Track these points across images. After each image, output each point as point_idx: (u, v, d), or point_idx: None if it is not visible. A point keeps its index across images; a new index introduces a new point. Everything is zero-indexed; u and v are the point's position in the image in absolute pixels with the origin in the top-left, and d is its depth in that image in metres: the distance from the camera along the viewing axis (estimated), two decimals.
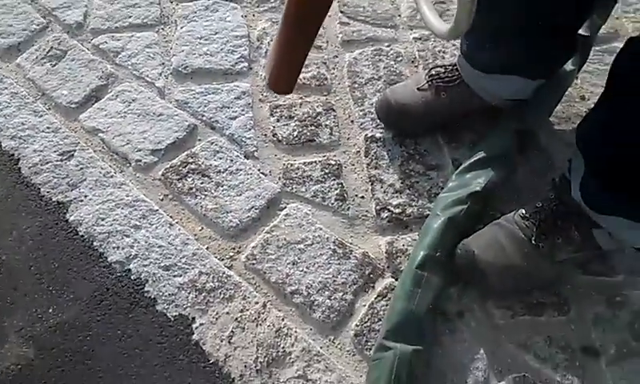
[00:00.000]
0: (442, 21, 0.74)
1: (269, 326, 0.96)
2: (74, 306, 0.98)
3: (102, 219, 1.07)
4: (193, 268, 1.02)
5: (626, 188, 0.84)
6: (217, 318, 0.97)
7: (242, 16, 1.42)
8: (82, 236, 1.06)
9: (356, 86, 1.28)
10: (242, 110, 1.23)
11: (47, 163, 1.15)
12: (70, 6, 1.43)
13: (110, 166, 1.15)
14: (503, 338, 0.95)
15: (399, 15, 1.43)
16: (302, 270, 1.02)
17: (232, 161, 1.16)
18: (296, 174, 1.14)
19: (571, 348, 0.94)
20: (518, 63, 1.06)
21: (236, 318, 0.97)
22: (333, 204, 1.10)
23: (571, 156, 0.94)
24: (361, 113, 1.23)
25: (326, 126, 1.21)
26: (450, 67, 1.16)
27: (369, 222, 1.09)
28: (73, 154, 1.16)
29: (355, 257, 1.03)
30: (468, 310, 0.98)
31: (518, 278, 0.96)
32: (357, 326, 0.96)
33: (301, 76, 1.26)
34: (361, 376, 0.92)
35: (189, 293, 0.99)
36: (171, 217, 1.08)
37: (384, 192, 1.11)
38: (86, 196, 1.10)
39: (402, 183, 1.12)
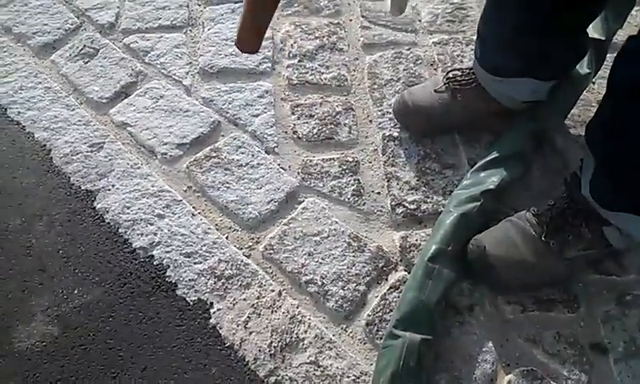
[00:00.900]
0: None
1: (283, 312, 0.99)
2: (98, 288, 1.02)
3: (128, 208, 1.12)
4: (213, 256, 1.06)
5: (634, 184, 0.86)
6: (234, 304, 1.00)
7: None
8: (109, 223, 1.11)
9: (375, 87, 1.31)
10: (265, 108, 1.28)
11: (78, 154, 1.20)
12: (103, 7, 1.50)
13: (137, 158, 1.20)
14: (512, 332, 0.97)
15: (419, 20, 1.46)
16: (317, 261, 1.05)
17: (253, 156, 1.20)
18: (314, 169, 1.17)
19: (580, 344, 0.95)
20: (529, 65, 1.08)
21: (252, 305, 1.00)
22: (349, 199, 1.13)
23: (583, 155, 0.96)
24: (379, 113, 1.26)
25: (345, 124, 1.25)
26: (467, 71, 1.18)
27: (384, 217, 1.12)
28: (102, 146, 1.21)
29: (369, 250, 1.06)
30: (478, 304, 0.99)
31: (528, 274, 0.98)
32: (369, 315, 0.99)
33: (321, 76, 1.31)
34: (371, 364, 0.94)
35: (208, 279, 1.03)
36: (194, 207, 1.13)
37: (400, 189, 1.14)
38: (113, 185, 1.15)
39: (417, 180, 1.15)
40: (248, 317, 0.99)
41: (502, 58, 1.09)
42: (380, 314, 0.99)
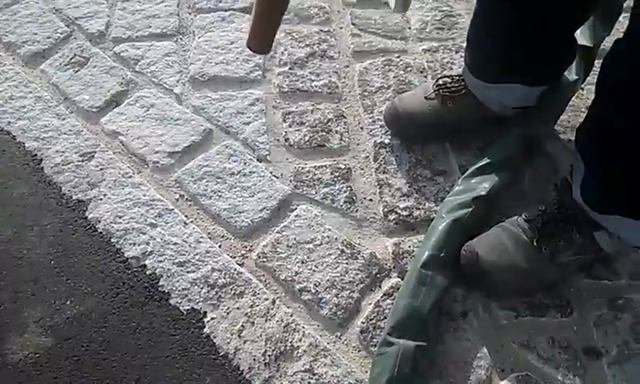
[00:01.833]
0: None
1: (277, 321, 0.99)
2: (91, 299, 1.02)
3: (120, 217, 1.12)
4: (206, 264, 1.05)
5: (623, 186, 0.87)
6: (228, 313, 1.00)
7: None
8: (101, 232, 1.10)
9: (366, 94, 1.32)
10: (256, 116, 1.28)
11: (69, 163, 1.20)
12: (93, 16, 1.49)
13: (129, 167, 1.20)
14: (506, 337, 0.97)
15: (409, 28, 1.47)
16: (310, 269, 1.05)
17: (245, 164, 1.20)
18: (306, 176, 1.17)
19: (573, 349, 0.96)
20: (518, 71, 1.09)
21: (246, 313, 1.00)
22: (342, 206, 1.13)
23: (573, 160, 0.97)
24: (370, 120, 1.27)
25: (336, 131, 1.25)
26: (457, 77, 1.19)
27: (376, 223, 1.12)
28: (93, 155, 1.21)
29: (363, 257, 1.06)
30: (472, 310, 1.00)
31: (521, 279, 0.99)
32: (363, 323, 0.99)
33: (312, 84, 1.32)
34: (366, 371, 0.94)
35: (201, 288, 1.03)
36: (186, 216, 1.12)
37: (392, 195, 1.14)
38: (105, 195, 1.15)
39: (409, 187, 1.16)
40: (242, 325, 0.99)
41: (490, 64, 1.10)
42: (374, 321, 0.99)
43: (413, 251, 1.07)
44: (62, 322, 0.99)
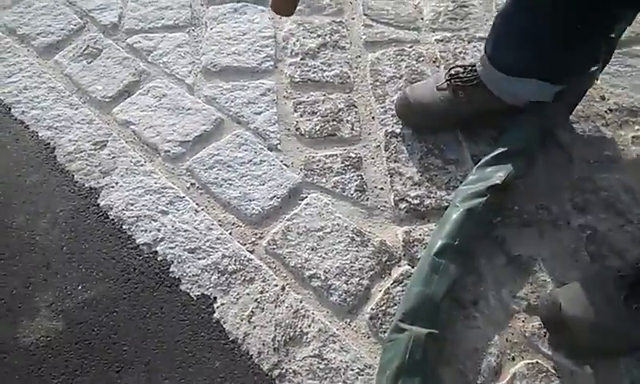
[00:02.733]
0: None
1: (287, 307, 0.99)
2: (102, 284, 1.03)
3: (132, 204, 1.12)
4: (216, 251, 1.06)
5: None
6: (237, 299, 1.00)
7: (269, 18, 1.47)
8: (112, 219, 1.11)
9: (378, 84, 1.32)
10: (267, 106, 1.28)
11: (81, 152, 1.20)
12: (106, 8, 1.51)
13: (141, 156, 1.20)
14: (517, 325, 0.97)
15: (422, 18, 1.46)
16: (320, 256, 1.05)
17: (256, 153, 1.20)
18: (317, 165, 1.17)
19: None
20: (541, 68, 1.08)
21: (256, 299, 1.00)
22: (352, 195, 1.13)
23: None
24: (382, 109, 1.27)
25: (347, 121, 1.25)
26: (470, 68, 1.18)
27: (387, 212, 1.11)
28: (106, 144, 1.22)
29: (373, 245, 1.06)
30: (483, 298, 0.99)
31: (606, 339, 0.91)
32: (372, 309, 0.99)
33: (324, 74, 1.32)
34: (375, 357, 0.94)
35: (211, 274, 1.03)
36: (197, 204, 1.13)
37: (403, 184, 1.14)
38: (116, 183, 1.16)
39: (420, 176, 1.15)
40: (252, 311, 0.99)
41: (515, 56, 1.09)
42: (384, 308, 0.99)
43: (424, 239, 1.06)
44: (73, 306, 1.00)
